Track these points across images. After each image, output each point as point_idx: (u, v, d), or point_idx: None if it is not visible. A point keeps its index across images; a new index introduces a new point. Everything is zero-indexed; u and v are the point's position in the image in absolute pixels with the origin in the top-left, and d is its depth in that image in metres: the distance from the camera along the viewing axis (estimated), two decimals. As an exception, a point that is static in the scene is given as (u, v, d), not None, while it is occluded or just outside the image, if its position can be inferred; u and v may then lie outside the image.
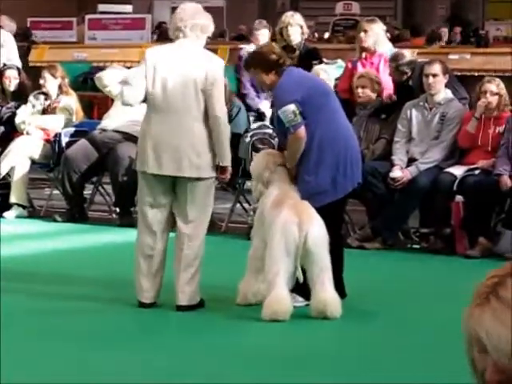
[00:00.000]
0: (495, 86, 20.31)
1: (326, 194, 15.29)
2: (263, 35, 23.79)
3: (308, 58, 21.20)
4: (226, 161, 14.15)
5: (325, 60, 23.17)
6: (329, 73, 21.44)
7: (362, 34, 21.65)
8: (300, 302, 14.58)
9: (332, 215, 15.00)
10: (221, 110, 14.01)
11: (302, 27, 22.52)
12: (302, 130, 14.43)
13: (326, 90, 16.02)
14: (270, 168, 15.06)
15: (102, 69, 22.74)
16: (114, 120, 21.18)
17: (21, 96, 22.31)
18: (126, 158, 21.18)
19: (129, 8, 46.68)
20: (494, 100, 19.90)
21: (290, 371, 12.35)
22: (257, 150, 19.51)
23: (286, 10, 28.67)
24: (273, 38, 24.44)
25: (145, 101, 14.76)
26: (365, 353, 13.44)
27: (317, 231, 14.14)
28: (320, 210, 14.63)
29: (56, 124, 21.92)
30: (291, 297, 14.35)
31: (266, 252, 14.31)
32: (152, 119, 13.93)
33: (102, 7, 38.61)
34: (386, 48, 21.85)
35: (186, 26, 14.10)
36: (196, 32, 14.16)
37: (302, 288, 14.60)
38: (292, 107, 14.71)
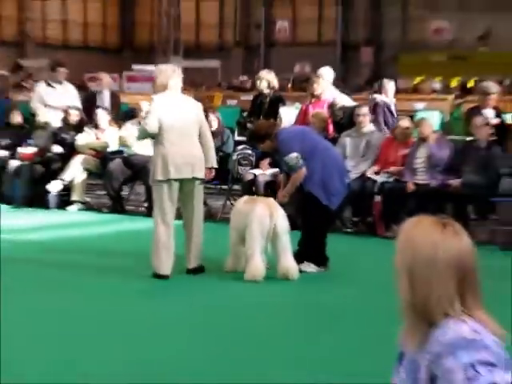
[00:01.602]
0: (405, 122, 20.05)
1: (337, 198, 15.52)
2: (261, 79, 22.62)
3: (276, 102, 21.43)
4: (214, 163, 14.74)
5: (287, 103, 22.93)
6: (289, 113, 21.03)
7: (313, 85, 21.20)
8: (312, 268, 15.07)
9: (328, 214, 15.56)
10: (209, 134, 14.79)
11: (269, 81, 22.05)
12: (303, 171, 14.70)
13: (310, 135, 16.28)
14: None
15: (135, 109, 22.32)
16: (138, 148, 20.44)
17: (80, 127, 22.20)
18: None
19: (152, 67, 45.50)
20: (405, 132, 19.56)
21: (262, 314, 12.69)
22: (241, 164, 19.79)
23: (261, 68, 28.62)
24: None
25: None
26: (312, 299, 13.60)
27: (282, 221, 14.34)
28: (326, 210, 15.27)
29: (103, 147, 21.81)
30: (306, 264, 14.95)
31: (245, 235, 14.24)
32: (166, 143, 14.00)
33: (135, 67, 37.31)
34: (328, 95, 21.36)
35: (170, 82, 14.37)
36: (174, 85, 14.44)
37: (316, 257, 15.19)
38: (295, 154, 14.80)
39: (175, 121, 13.98)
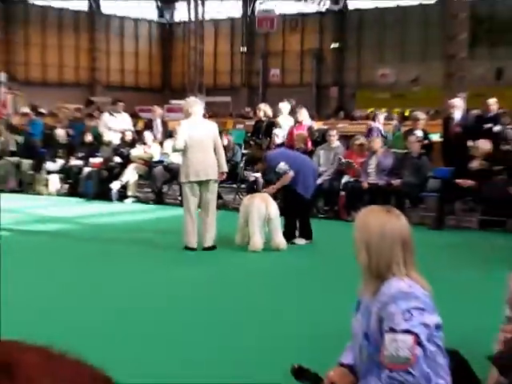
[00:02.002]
0: (360, 140, 19.49)
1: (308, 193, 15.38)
2: (260, 110, 22.47)
3: (270, 125, 21.13)
4: (225, 168, 14.38)
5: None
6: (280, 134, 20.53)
7: (297, 114, 21.19)
8: (302, 241, 15.04)
9: (306, 202, 15.42)
10: (222, 147, 14.46)
11: (265, 111, 21.96)
12: (291, 174, 14.60)
13: (289, 152, 16.25)
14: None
15: (172, 132, 21.97)
16: (174, 158, 19.86)
17: (133, 144, 21.77)
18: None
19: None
20: (360, 147, 19.15)
21: (261, 274, 12.84)
22: (246, 170, 19.84)
23: (259, 102, 28.30)
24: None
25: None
26: (296, 264, 13.55)
27: (274, 210, 14.29)
28: (301, 197, 15.17)
29: (149, 158, 21.19)
30: (298, 239, 15.01)
31: (248, 220, 14.26)
32: (189, 155, 13.79)
33: (172, 101, 36.85)
34: (308, 122, 21.05)
35: (192, 110, 14.11)
36: (200, 111, 14.37)
37: (304, 234, 15.14)
38: (282, 163, 14.76)
39: (196, 138, 13.79)
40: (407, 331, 4.35)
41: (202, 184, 14.03)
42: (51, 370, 0.75)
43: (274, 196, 15.14)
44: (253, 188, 16.78)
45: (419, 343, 4.37)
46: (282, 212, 14.92)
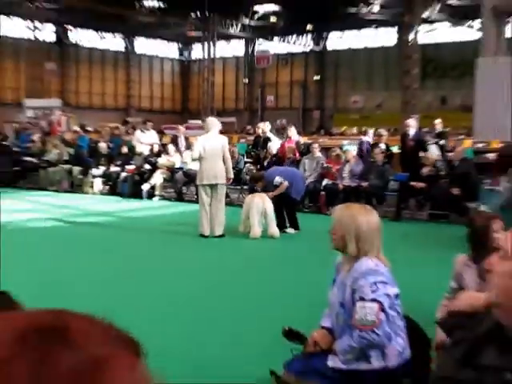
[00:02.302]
0: (336, 151, 19.47)
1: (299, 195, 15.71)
2: (259, 128, 22.41)
3: (266, 140, 20.65)
4: (231, 175, 14.27)
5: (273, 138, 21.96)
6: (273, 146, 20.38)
7: (287, 131, 21.03)
8: (292, 231, 14.95)
9: (294, 201, 15.42)
10: (229, 157, 14.21)
11: (263, 129, 21.71)
12: (286, 184, 14.45)
13: (281, 168, 16.06)
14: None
15: (190, 145, 21.92)
16: (191, 165, 19.73)
17: (159, 154, 21.47)
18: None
19: (199, 121, 44.39)
20: (337, 157, 18.99)
21: (259, 256, 12.80)
22: (247, 175, 19.52)
23: (258, 122, 27.93)
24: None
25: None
26: (287, 248, 13.64)
27: (269, 206, 14.21)
28: (293, 200, 15.21)
29: (172, 165, 20.99)
30: (289, 229, 14.94)
31: (249, 214, 14.19)
32: (203, 163, 13.79)
33: (190, 121, 36.59)
34: (296, 137, 21.01)
35: (208, 127, 14.11)
36: (216, 128, 14.15)
37: (293, 225, 15.01)
38: (277, 177, 14.71)
39: (209, 150, 13.67)
40: (374, 300, 4.50)
41: (213, 186, 13.91)
42: (100, 333, 0.73)
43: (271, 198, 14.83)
44: (253, 189, 16.66)
45: (383, 310, 4.53)
46: (275, 208, 14.63)
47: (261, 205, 14.34)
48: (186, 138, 23.40)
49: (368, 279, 4.56)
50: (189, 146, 21.33)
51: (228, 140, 20.30)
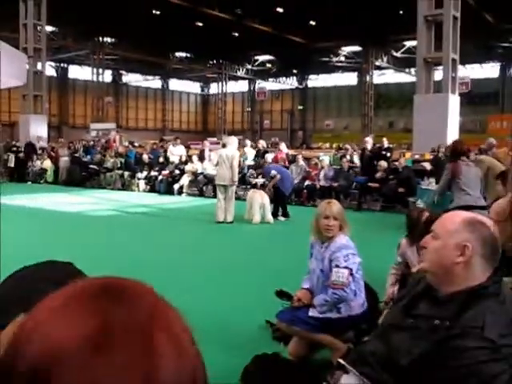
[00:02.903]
0: (315, 160, 19.36)
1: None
2: (260, 143, 22.23)
3: (264, 153, 19.20)
4: (235, 178, 13.88)
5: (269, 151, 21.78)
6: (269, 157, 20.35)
7: (279, 146, 20.59)
8: (283, 219, 14.65)
9: (284, 195, 15.13)
10: (235, 166, 13.68)
11: (262, 144, 21.71)
12: (278, 176, 14.41)
13: (276, 166, 15.61)
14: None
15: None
16: (210, 170, 19.81)
17: (186, 163, 21.20)
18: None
19: (215, 139, 43.41)
20: (315, 164, 18.81)
21: (258, 235, 12.75)
22: (250, 177, 18.45)
23: (258, 140, 27.60)
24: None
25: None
26: (279, 229, 13.59)
27: (266, 199, 14.14)
28: (283, 193, 15.01)
29: (196, 170, 20.88)
30: (281, 217, 14.68)
31: (252, 206, 14.00)
32: (218, 169, 13.72)
33: (208, 138, 36.38)
34: (285, 150, 20.29)
35: (228, 142, 14.05)
36: (233, 144, 14.04)
37: (284, 214, 14.76)
38: (273, 171, 14.74)
39: (223, 159, 13.47)
40: (345, 267, 4.57)
41: (224, 186, 13.71)
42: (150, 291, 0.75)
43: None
44: (254, 187, 16.56)
45: (351, 274, 4.58)
46: (271, 201, 14.62)
47: (260, 199, 14.16)
48: (210, 150, 23.29)
49: (342, 252, 4.62)
50: (208, 157, 21.30)
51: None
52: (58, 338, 0.64)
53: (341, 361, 2.56)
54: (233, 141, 14.19)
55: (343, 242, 4.68)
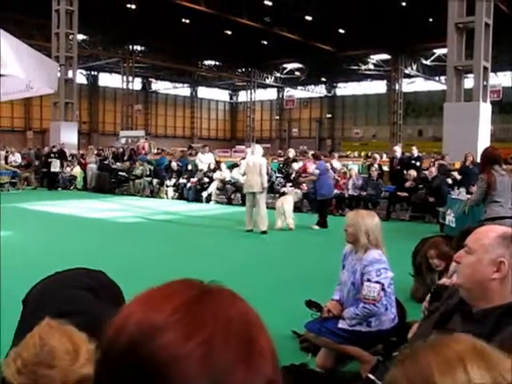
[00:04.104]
0: (344, 169, 19.01)
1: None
2: (288, 152, 22.42)
3: (293, 161, 20.12)
4: (265, 185, 13.45)
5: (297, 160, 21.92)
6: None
7: (307, 155, 20.88)
8: (317, 228, 14.13)
9: (320, 201, 14.67)
10: (264, 173, 13.39)
11: (290, 152, 21.22)
12: (313, 177, 14.32)
13: (326, 170, 15.23)
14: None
15: (237, 164, 22.26)
16: (237, 178, 19.89)
17: (214, 170, 21.21)
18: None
19: (243, 147, 43.65)
20: (343, 173, 18.45)
21: (287, 246, 12.40)
22: (278, 186, 19.12)
23: (287, 149, 27.61)
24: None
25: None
26: (302, 237, 13.51)
27: (288, 206, 14.13)
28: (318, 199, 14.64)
29: (224, 178, 20.97)
30: (314, 226, 14.25)
31: (277, 212, 14.04)
32: (247, 176, 13.43)
33: (237, 146, 36.45)
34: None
35: (254, 150, 13.60)
36: (260, 152, 13.67)
37: (320, 224, 14.25)
38: (315, 169, 14.50)
39: (251, 167, 13.29)
40: (377, 282, 4.52)
41: (253, 193, 13.42)
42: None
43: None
44: (283, 194, 16.35)
45: (383, 289, 4.53)
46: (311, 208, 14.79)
47: (280, 204, 14.25)
48: (243, 158, 23.09)
49: (374, 266, 4.57)
50: (237, 165, 21.26)
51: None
52: (151, 318, 0.73)
53: (370, 376, 2.52)
54: (258, 149, 13.94)
55: (375, 257, 4.63)
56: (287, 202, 14.35)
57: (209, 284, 0.82)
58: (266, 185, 13.69)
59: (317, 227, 14.31)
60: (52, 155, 25.72)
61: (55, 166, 25.30)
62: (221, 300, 0.77)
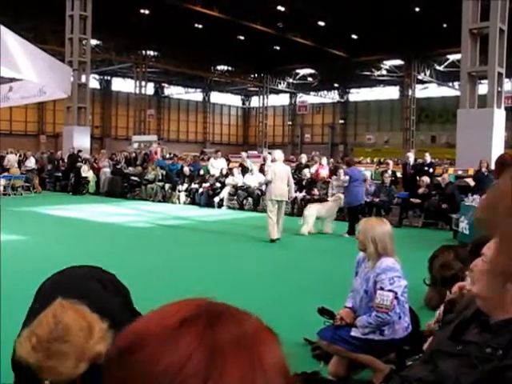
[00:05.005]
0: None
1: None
2: (300, 157, 22.23)
3: (305, 167, 20.14)
4: (293, 194, 13.54)
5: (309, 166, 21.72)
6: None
7: (320, 160, 20.74)
8: (346, 236, 13.60)
9: (357, 208, 14.63)
10: (292, 181, 13.21)
11: (303, 159, 21.24)
12: (343, 183, 14.30)
13: (359, 174, 14.93)
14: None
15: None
16: (251, 183, 19.98)
17: (227, 175, 21.20)
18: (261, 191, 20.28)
19: (255, 152, 43.72)
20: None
21: (304, 253, 12.42)
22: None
23: (299, 154, 27.60)
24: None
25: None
26: (321, 244, 13.44)
27: (309, 210, 14.18)
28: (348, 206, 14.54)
29: (236, 184, 20.92)
30: (345, 234, 13.83)
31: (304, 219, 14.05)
32: (273, 184, 12.70)
33: (249, 151, 36.23)
34: (325, 164, 20.09)
35: (277, 158, 13.25)
36: (281, 159, 13.24)
37: (349, 232, 13.55)
38: (345, 176, 14.43)
39: (277, 174, 12.81)
40: (390, 290, 4.48)
41: (278, 202, 12.96)
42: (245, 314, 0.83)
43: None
44: (309, 201, 16.07)
45: (396, 297, 4.50)
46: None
47: (307, 211, 14.22)
48: (251, 164, 23.09)
49: (387, 274, 4.54)
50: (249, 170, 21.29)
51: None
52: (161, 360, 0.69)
53: (384, 385, 2.48)
54: (279, 155, 13.53)
55: (389, 264, 4.59)
56: (310, 208, 14.38)
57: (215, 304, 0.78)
58: (293, 193, 13.47)
59: (347, 235, 13.87)
60: (79, 159, 25.98)
61: (85, 170, 25.42)
62: (229, 320, 0.74)
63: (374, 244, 4.62)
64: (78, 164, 25.62)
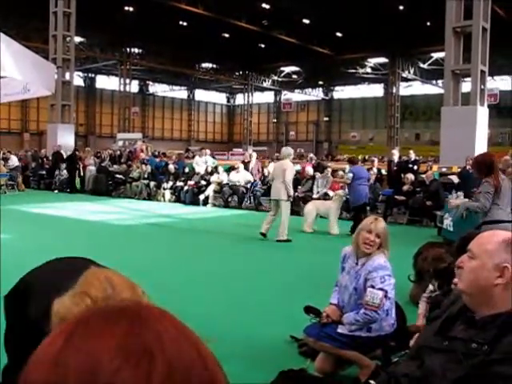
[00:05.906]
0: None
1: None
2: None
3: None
4: (290, 193, 12.20)
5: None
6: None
7: (307, 157, 20.79)
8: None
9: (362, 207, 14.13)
10: (287, 180, 12.08)
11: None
12: (347, 180, 13.77)
13: (364, 172, 14.68)
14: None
15: (234, 167, 22.05)
16: (235, 181, 20.26)
17: (212, 173, 21.10)
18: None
19: (240, 150, 43.67)
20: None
21: (287, 249, 12.17)
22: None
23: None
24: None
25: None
26: (315, 243, 13.11)
27: (307, 209, 14.09)
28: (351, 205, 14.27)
29: (221, 181, 20.78)
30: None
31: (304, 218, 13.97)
32: (272, 183, 12.56)
33: (234, 149, 36.18)
34: (312, 161, 20.69)
35: (284, 156, 12.60)
36: (289, 157, 12.48)
37: (353, 231, 13.46)
38: (349, 173, 14.05)
39: (272, 173, 12.81)
40: (381, 289, 4.50)
41: (277, 201, 12.46)
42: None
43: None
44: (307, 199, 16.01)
45: (386, 296, 4.53)
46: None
47: (306, 209, 14.12)
48: (244, 162, 23.02)
49: (379, 272, 4.55)
50: (234, 168, 21.16)
51: (261, 163, 19.84)
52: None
53: (372, 382, 2.49)
54: (287, 153, 12.88)
55: (381, 263, 4.60)
56: (308, 206, 14.33)
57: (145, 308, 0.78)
58: (291, 193, 12.59)
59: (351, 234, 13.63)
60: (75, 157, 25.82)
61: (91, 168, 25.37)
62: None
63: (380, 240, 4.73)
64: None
